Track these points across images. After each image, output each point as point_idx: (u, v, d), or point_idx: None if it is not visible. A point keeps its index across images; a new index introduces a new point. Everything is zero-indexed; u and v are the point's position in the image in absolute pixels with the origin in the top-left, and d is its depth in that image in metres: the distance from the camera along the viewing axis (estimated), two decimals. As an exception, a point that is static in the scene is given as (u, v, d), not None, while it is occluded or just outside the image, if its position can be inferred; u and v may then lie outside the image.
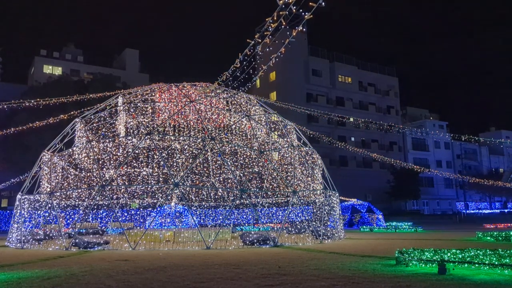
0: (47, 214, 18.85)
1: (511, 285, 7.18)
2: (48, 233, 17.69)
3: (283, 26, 10.62)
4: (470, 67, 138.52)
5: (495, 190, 57.48)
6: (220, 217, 26.44)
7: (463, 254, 8.86)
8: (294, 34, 10.79)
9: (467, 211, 62.32)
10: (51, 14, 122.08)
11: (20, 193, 17.90)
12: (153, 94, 21.53)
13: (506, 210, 63.32)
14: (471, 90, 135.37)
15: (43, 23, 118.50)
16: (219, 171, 26.71)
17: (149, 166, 24.90)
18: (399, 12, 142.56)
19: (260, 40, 11.80)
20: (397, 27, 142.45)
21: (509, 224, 30.34)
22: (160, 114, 21.19)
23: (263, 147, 22.61)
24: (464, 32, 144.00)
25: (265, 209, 27.29)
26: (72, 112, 22.91)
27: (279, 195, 26.15)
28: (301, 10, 9.85)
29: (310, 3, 9.42)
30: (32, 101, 22.38)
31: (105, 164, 22.31)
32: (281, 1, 9.95)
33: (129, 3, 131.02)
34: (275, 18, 10.58)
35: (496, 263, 8.34)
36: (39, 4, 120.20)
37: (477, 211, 64.14)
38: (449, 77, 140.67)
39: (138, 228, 23.69)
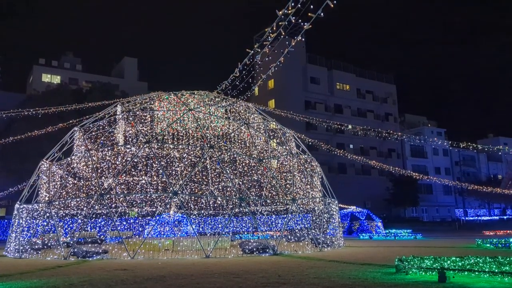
0: (45, 223, 18.76)
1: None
2: (46, 242, 17.61)
3: (282, 36, 10.69)
4: (467, 74, 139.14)
5: (494, 197, 57.45)
6: (219, 226, 26.36)
7: (463, 262, 8.86)
8: (293, 43, 10.85)
9: (466, 218, 62.26)
10: (50, 23, 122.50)
11: (18, 202, 17.84)
12: (152, 103, 21.57)
13: (505, 217, 63.25)
14: (469, 97, 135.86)
15: (42, 32, 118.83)
16: (218, 179, 26.69)
17: (148, 175, 24.87)
18: (397, 20, 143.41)
19: (259, 50, 11.85)
20: (394, 35, 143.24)
21: (508, 231, 30.31)
22: (159, 123, 21.22)
23: (262, 155, 22.63)
24: (462, 39, 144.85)
25: (264, 217, 27.23)
26: (70, 121, 22.92)
27: (278, 203, 26.11)
28: (300, 21, 9.92)
29: (309, 14, 9.49)
30: (31, 110, 22.39)
31: (103, 172, 22.29)
32: (280, 12, 10.02)
33: (128, 12, 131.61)
34: (274, 28, 10.64)
35: (496, 270, 8.34)
36: (37, 13, 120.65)
37: (476, 218, 64.06)
38: (447, 84, 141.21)
39: (137, 237, 23.60)
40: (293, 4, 9.75)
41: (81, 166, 20.51)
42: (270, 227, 26.75)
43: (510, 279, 8.11)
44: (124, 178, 24.22)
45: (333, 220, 19.50)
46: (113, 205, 24.57)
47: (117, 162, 21.73)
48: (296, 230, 22.06)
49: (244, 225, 27.66)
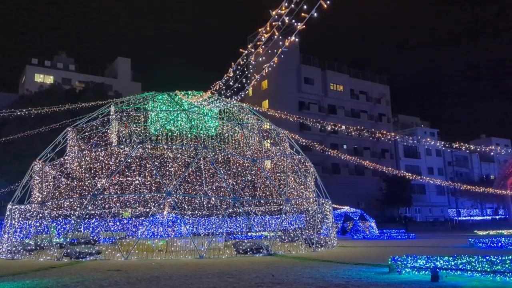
0: (38, 224, 18.65)
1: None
2: (39, 243, 17.50)
3: (275, 36, 10.70)
4: (460, 75, 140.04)
5: (486, 197, 57.82)
6: (213, 226, 26.32)
7: (455, 261, 8.91)
8: (287, 44, 10.85)
9: (459, 218, 62.60)
10: (43, 22, 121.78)
11: (10, 203, 17.72)
12: (146, 103, 21.52)
13: (497, 217, 63.70)
14: (461, 98, 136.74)
15: (35, 32, 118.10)
16: (212, 180, 26.67)
17: (142, 175, 24.79)
18: (390, 21, 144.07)
19: (253, 50, 11.85)
20: (388, 36, 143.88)
21: (500, 231, 30.52)
22: (153, 123, 21.17)
23: (255, 155, 22.64)
24: (455, 40, 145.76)
25: (258, 217, 27.23)
26: (63, 121, 22.80)
27: (272, 204, 26.13)
28: (293, 21, 9.93)
29: (303, 14, 9.51)
30: (23, 110, 22.25)
31: (97, 173, 22.20)
32: (273, 12, 10.03)
33: (121, 12, 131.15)
34: (268, 28, 10.65)
35: (488, 270, 8.40)
36: (30, 13, 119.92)
37: (469, 218, 64.44)
38: (440, 85, 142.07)
39: (131, 237, 23.52)
40: (286, 4, 9.77)
41: (74, 166, 20.41)
42: (264, 227, 26.76)
43: (501, 278, 8.17)
44: (118, 178, 24.13)
45: (326, 220, 19.54)
46: (107, 206, 24.47)
47: (111, 163, 21.66)
48: (290, 231, 22.10)
49: (238, 225, 27.64)
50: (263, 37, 10.97)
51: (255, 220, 26.86)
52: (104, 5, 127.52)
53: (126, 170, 23.83)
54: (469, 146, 26.75)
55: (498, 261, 8.51)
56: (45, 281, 9.20)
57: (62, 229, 22.98)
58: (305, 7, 9.52)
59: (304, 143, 27.92)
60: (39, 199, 18.71)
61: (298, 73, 59.67)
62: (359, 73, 66.94)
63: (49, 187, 19.92)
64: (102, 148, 20.73)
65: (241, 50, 12.36)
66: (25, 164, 22.66)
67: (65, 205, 22.23)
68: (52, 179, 20.48)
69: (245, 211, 23.13)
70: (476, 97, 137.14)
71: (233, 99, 15.96)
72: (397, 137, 29.05)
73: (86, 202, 19.99)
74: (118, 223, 24.86)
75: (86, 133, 20.70)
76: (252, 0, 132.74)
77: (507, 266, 8.26)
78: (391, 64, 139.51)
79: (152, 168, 22.26)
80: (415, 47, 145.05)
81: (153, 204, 25.92)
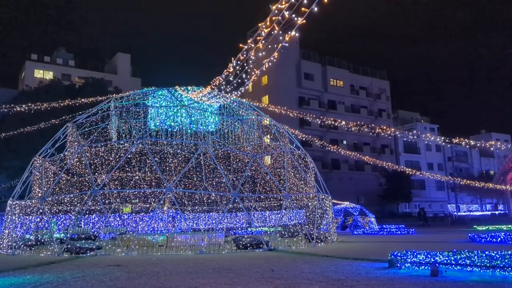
0: (38, 220, 18.68)
1: (502, 287, 7.26)
2: (39, 238, 17.53)
3: (275, 31, 10.67)
4: (460, 70, 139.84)
5: (486, 192, 57.89)
6: (213, 221, 26.38)
7: (455, 257, 8.93)
8: (287, 39, 10.82)
9: (459, 213, 62.68)
10: (42, 18, 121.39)
11: (11, 198, 17.74)
12: (145, 98, 21.51)
13: (497, 212, 63.76)
14: (461, 93, 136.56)
15: (34, 27, 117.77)
16: (212, 175, 26.69)
17: (142, 171, 24.81)
18: (390, 17, 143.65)
19: (252, 45, 11.83)
20: (388, 31, 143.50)
21: (500, 226, 30.58)
22: (153, 118, 21.17)
23: (255, 151, 22.65)
24: (455, 36, 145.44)
25: (258, 213, 27.28)
26: (63, 117, 22.77)
27: (272, 199, 26.16)
28: (293, 15, 9.90)
29: (303, 9, 9.48)
30: (23, 105, 22.22)
31: (97, 168, 22.21)
32: (274, 7, 10.00)
33: (121, 7, 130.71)
34: (267, 23, 10.62)
35: (488, 265, 8.42)
36: (29, 8, 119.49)
37: (468, 213, 64.53)
38: (440, 80, 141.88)
39: (131, 233, 23.56)
40: (286, -2, 9.74)
41: (74, 162, 20.41)
42: (264, 223, 26.81)
43: (501, 273, 8.19)
44: (118, 174, 24.15)
45: (326, 216, 19.57)
46: (107, 201, 24.50)
47: (111, 158, 21.66)
48: (290, 226, 22.14)
49: (238, 220, 27.69)
50: (263, 32, 10.95)
51: (255, 216, 26.90)
52: (104, 0, 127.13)
53: (126, 166, 23.86)
54: (469, 142, 26.75)
55: (498, 256, 8.53)
56: (46, 276, 9.22)
57: (62, 225, 23.03)
58: (305, 1, 9.50)
59: (304, 139, 27.93)
60: (39, 194, 18.72)
61: (298, 68, 59.57)
62: (359, 69, 66.84)
63: (49, 182, 19.93)
64: (102, 144, 20.74)
65: (241, 45, 12.34)
66: (25, 160, 22.67)
67: (66, 201, 22.26)
68: (52, 175, 20.50)
69: (245, 207, 23.17)
70: (476, 92, 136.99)
71: (233, 95, 15.93)
72: (397, 132, 29.06)
73: (86, 197, 20.01)
74: (118, 219, 24.92)
75: (86, 129, 20.69)
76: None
77: (506, 261, 8.28)
78: (391, 60, 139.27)
79: (152, 164, 22.27)
80: (416, 42, 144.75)
81: (153, 199, 25.96)
